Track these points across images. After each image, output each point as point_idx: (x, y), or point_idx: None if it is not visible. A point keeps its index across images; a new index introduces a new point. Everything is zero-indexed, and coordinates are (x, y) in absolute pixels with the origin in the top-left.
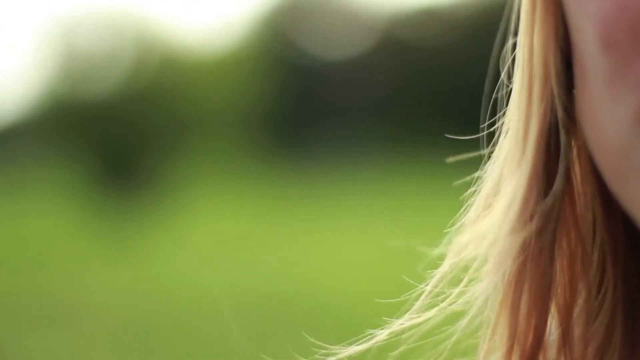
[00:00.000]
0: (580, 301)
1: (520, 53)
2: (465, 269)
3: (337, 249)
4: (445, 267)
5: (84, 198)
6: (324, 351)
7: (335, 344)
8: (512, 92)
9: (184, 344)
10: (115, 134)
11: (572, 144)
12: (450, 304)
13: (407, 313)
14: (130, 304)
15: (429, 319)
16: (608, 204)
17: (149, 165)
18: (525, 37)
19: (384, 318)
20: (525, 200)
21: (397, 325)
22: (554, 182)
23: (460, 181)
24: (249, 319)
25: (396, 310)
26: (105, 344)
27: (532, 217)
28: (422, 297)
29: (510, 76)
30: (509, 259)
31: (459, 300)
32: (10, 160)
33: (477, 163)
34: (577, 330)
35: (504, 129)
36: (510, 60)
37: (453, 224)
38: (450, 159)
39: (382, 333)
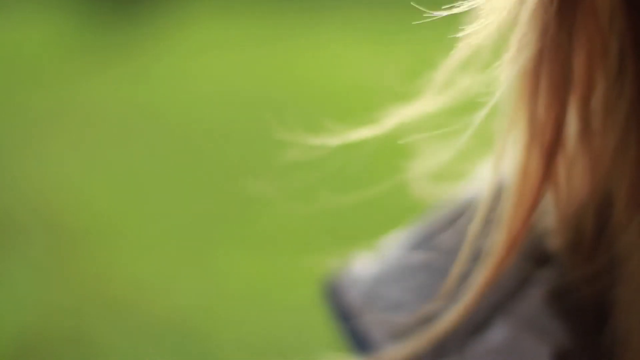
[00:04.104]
0: (598, 92)
1: None
2: (478, 57)
3: (342, 51)
4: (456, 55)
5: (82, 7)
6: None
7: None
8: None
9: (185, 149)
10: None
11: None
12: (464, 92)
13: (418, 101)
14: (133, 114)
15: (440, 106)
16: None
17: None
18: None
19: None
20: None
21: (407, 112)
22: None
23: None
24: (251, 124)
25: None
26: (109, 150)
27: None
28: (434, 85)
29: None
30: (529, 45)
31: (474, 88)
32: None
33: None
34: (596, 123)
35: None
36: None
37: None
38: None
39: (390, 119)
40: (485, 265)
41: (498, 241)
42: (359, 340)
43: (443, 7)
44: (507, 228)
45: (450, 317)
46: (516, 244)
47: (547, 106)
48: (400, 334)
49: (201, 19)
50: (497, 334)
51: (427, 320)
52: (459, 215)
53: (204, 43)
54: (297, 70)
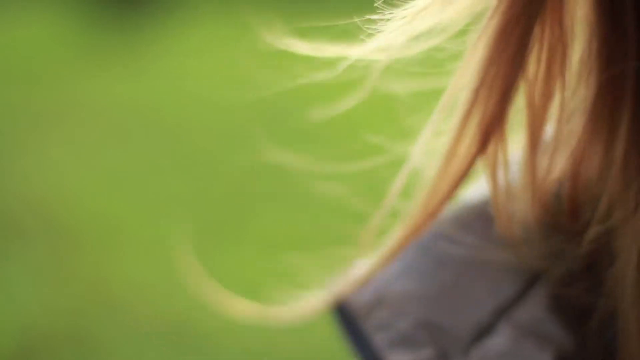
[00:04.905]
0: (555, 102)
1: None
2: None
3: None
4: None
5: (82, 7)
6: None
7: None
8: None
9: (185, 150)
10: None
11: None
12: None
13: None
14: (133, 114)
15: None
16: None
17: None
18: None
19: None
20: None
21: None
22: None
23: None
24: (252, 125)
25: None
26: (108, 151)
27: None
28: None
29: None
30: (484, 33)
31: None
32: None
33: None
34: (552, 130)
35: None
36: None
37: None
38: None
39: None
40: (402, 227)
41: (417, 206)
42: (361, 344)
43: None
44: (428, 194)
45: (362, 272)
46: (434, 213)
47: (489, 90)
48: (402, 339)
49: (202, 19)
50: (500, 340)
51: (428, 325)
52: (469, 215)
53: (204, 44)
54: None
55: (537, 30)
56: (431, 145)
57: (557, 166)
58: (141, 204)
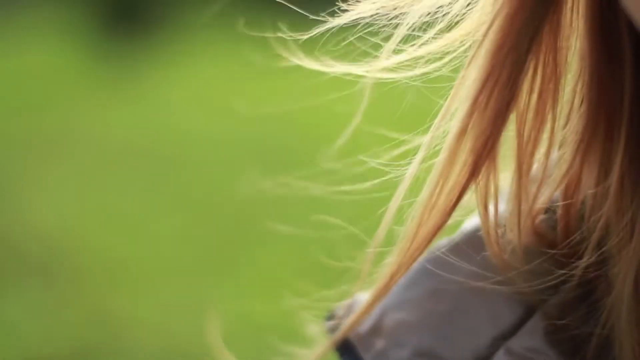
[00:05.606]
0: (546, 130)
1: None
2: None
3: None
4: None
5: (85, 37)
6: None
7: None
8: None
9: (185, 184)
10: None
11: None
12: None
13: None
14: (133, 146)
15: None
16: (596, 38)
17: (152, 7)
18: None
19: None
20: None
21: None
22: None
23: None
24: (245, 162)
25: None
26: (106, 176)
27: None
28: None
29: None
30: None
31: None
32: None
33: None
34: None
35: None
36: None
37: None
38: None
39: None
40: (394, 256)
41: (408, 234)
42: None
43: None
44: (419, 222)
45: (361, 305)
46: (426, 241)
47: (483, 111)
48: None
49: (198, 52)
50: None
51: (426, 354)
52: (466, 242)
53: (200, 76)
54: (297, 118)
55: (531, 62)
56: (425, 166)
57: (543, 195)
58: (140, 238)
